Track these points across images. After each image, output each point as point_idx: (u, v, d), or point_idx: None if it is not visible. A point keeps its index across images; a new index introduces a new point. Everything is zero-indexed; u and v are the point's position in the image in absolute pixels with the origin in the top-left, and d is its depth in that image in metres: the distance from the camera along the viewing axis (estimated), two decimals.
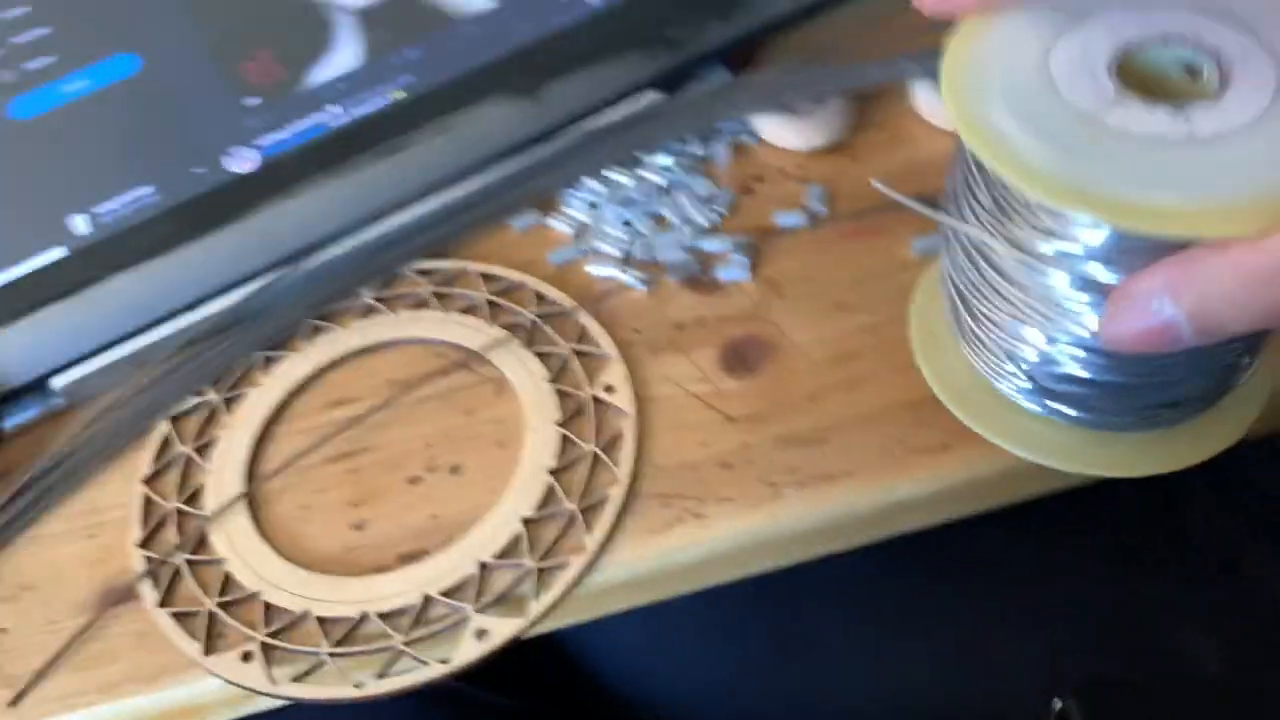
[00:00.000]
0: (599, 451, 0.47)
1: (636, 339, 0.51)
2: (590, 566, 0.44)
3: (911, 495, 0.44)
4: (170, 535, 0.47)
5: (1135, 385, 0.37)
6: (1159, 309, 0.29)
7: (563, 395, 0.49)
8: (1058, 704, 0.53)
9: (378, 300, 0.54)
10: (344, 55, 0.56)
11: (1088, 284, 0.34)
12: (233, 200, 0.54)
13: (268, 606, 0.44)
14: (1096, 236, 0.33)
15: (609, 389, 0.49)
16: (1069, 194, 0.30)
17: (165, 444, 0.50)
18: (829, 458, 0.45)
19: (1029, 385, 0.39)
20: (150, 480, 0.49)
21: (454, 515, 0.46)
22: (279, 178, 0.54)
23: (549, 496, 0.46)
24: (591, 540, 0.44)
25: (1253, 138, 0.31)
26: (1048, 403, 0.39)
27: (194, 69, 0.55)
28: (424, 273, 0.55)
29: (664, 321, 0.51)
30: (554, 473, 0.46)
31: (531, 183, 0.56)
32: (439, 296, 0.53)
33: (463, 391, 0.50)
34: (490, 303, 0.53)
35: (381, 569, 0.45)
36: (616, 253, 0.53)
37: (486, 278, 0.54)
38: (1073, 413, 0.39)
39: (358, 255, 0.54)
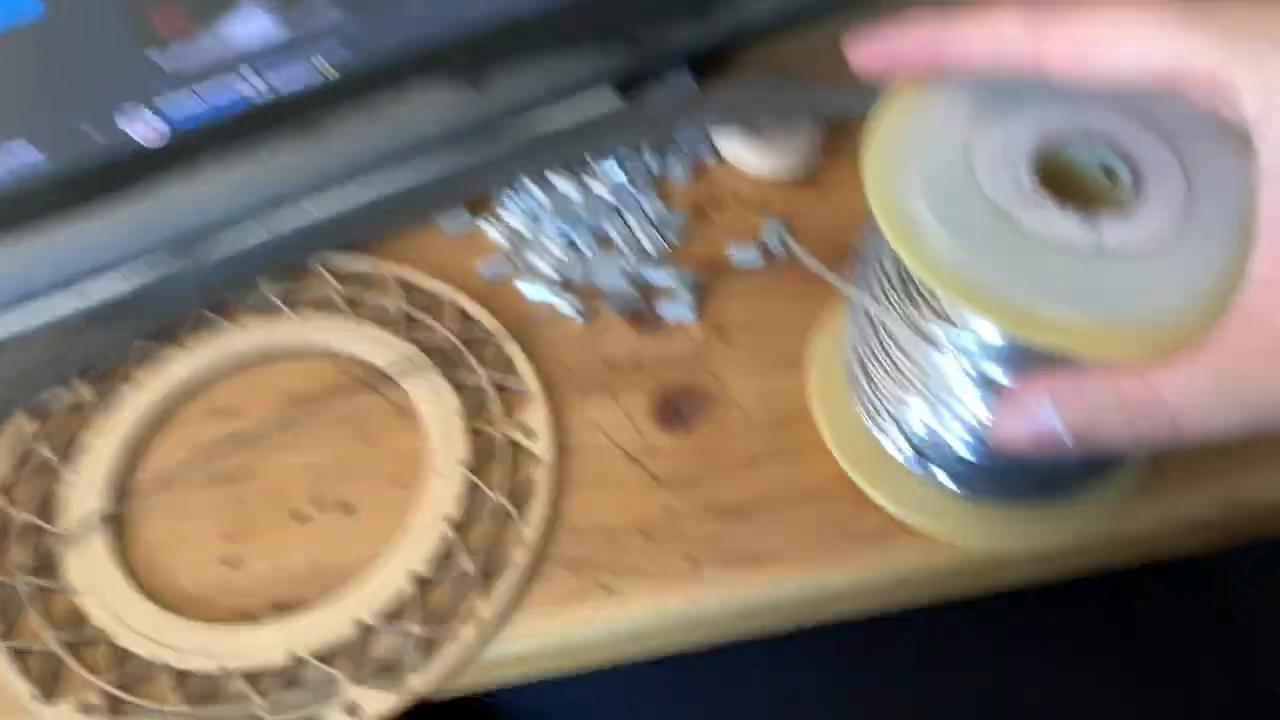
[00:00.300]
0: (508, 504, 0.42)
1: (564, 376, 0.46)
2: (484, 639, 0.39)
3: (843, 587, 0.41)
4: (17, 554, 0.42)
5: (1015, 469, 0.38)
6: (1044, 419, 0.30)
7: (475, 434, 0.44)
8: None
9: (280, 298, 0.48)
10: (260, 19, 0.50)
11: (980, 378, 0.34)
12: (129, 172, 0.48)
13: (118, 651, 0.39)
14: (993, 336, 0.33)
15: (527, 432, 0.44)
16: (971, 295, 0.30)
17: (24, 444, 0.45)
18: (759, 535, 0.41)
19: (912, 453, 0.39)
20: (4, 486, 0.44)
21: (339, 562, 0.41)
22: (185, 151, 0.48)
23: (447, 552, 0.41)
24: (489, 608, 0.40)
25: (1154, 257, 0.31)
26: (929, 471, 0.40)
27: (100, 8, 0.48)
28: (335, 270, 0.49)
29: (596, 359, 0.46)
30: (455, 525, 0.41)
31: (466, 180, 0.50)
32: (350, 302, 0.48)
33: (365, 416, 0.45)
34: (405, 313, 0.47)
35: (251, 617, 0.40)
36: (553, 273, 0.48)
37: (405, 285, 0.49)
38: (953, 485, 0.40)
39: (263, 244, 0.49)
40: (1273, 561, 0.51)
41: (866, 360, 0.38)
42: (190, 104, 0.49)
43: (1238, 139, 0.33)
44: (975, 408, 0.35)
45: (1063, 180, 0.33)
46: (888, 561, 0.41)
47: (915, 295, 0.34)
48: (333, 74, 0.49)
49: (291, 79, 0.49)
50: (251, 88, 0.49)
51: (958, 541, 0.40)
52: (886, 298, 0.35)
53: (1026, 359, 0.32)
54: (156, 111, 0.48)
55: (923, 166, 0.33)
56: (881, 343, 0.36)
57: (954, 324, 0.33)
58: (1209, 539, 0.43)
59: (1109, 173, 0.33)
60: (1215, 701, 0.51)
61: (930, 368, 0.35)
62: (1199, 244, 0.31)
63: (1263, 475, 0.42)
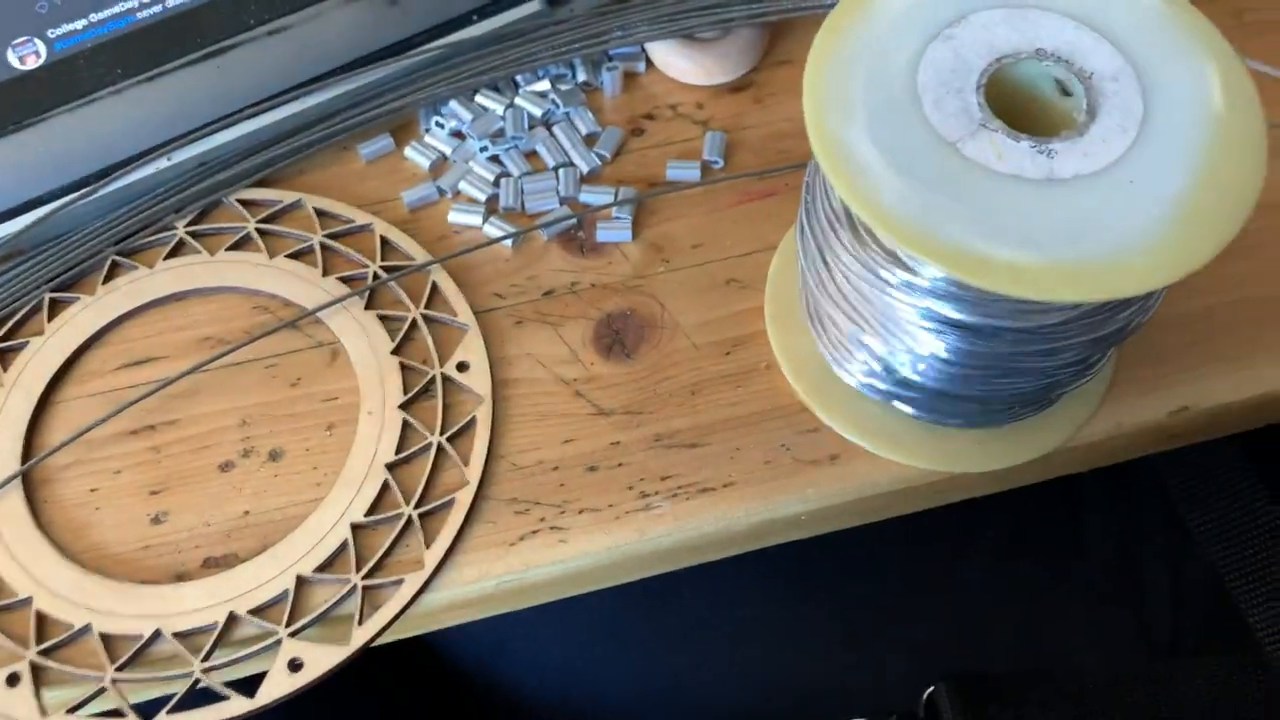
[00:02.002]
0: (445, 443, 0.40)
1: (499, 306, 0.44)
2: (427, 585, 0.38)
3: (794, 512, 0.40)
4: None
5: (970, 394, 0.36)
6: None
7: (407, 371, 0.42)
8: (928, 691, 0.51)
9: (191, 234, 0.45)
10: None
11: (931, 314, 0.32)
12: (12, 102, 0.44)
13: (41, 617, 0.37)
14: (943, 279, 0.31)
15: (462, 367, 0.42)
16: (917, 241, 0.28)
17: None
18: (708, 464, 0.40)
19: (867, 380, 0.38)
20: None
21: (271, 513, 0.40)
22: (73, 77, 0.44)
23: (384, 496, 0.39)
24: (430, 555, 0.38)
25: (1108, 184, 0.29)
26: (884, 398, 0.38)
27: None
28: (248, 204, 0.46)
29: (531, 287, 0.44)
30: (391, 467, 0.40)
31: (384, 101, 0.47)
32: (267, 237, 0.45)
33: (289, 358, 0.43)
34: (325, 247, 0.45)
35: (182, 576, 0.39)
36: (481, 196, 0.46)
37: (323, 215, 0.46)
38: (909, 410, 0.39)
39: (169, 179, 0.46)
40: (1209, 463, 0.52)
41: (817, 293, 0.36)
42: (74, 25, 0.45)
43: (1197, 46, 0.32)
44: (931, 345, 0.33)
45: (1015, 98, 0.31)
46: (841, 485, 0.40)
47: (864, 234, 0.33)
48: None
49: None
50: (138, 1, 0.45)
51: (915, 464, 0.39)
52: (835, 234, 0.33)
53: (980, 297, 0.31)
54: (40, 37, 0.44)
55: (866, 95, 0.31)
56: (832, 276, 0.35)
57: (904, 266, 0.32)
58: (1159, 445, 0.42)
59: (1063, 88, 0.32)
60: (1158, 598, 0.52)
61: (882, 304, 0.33)
62: (1155, 166, 0.30)
63: (1210, 383, 0.41)
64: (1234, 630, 0.48)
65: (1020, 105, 0.32)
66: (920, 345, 0.33)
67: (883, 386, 0.37)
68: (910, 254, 0.29)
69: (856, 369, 0.37)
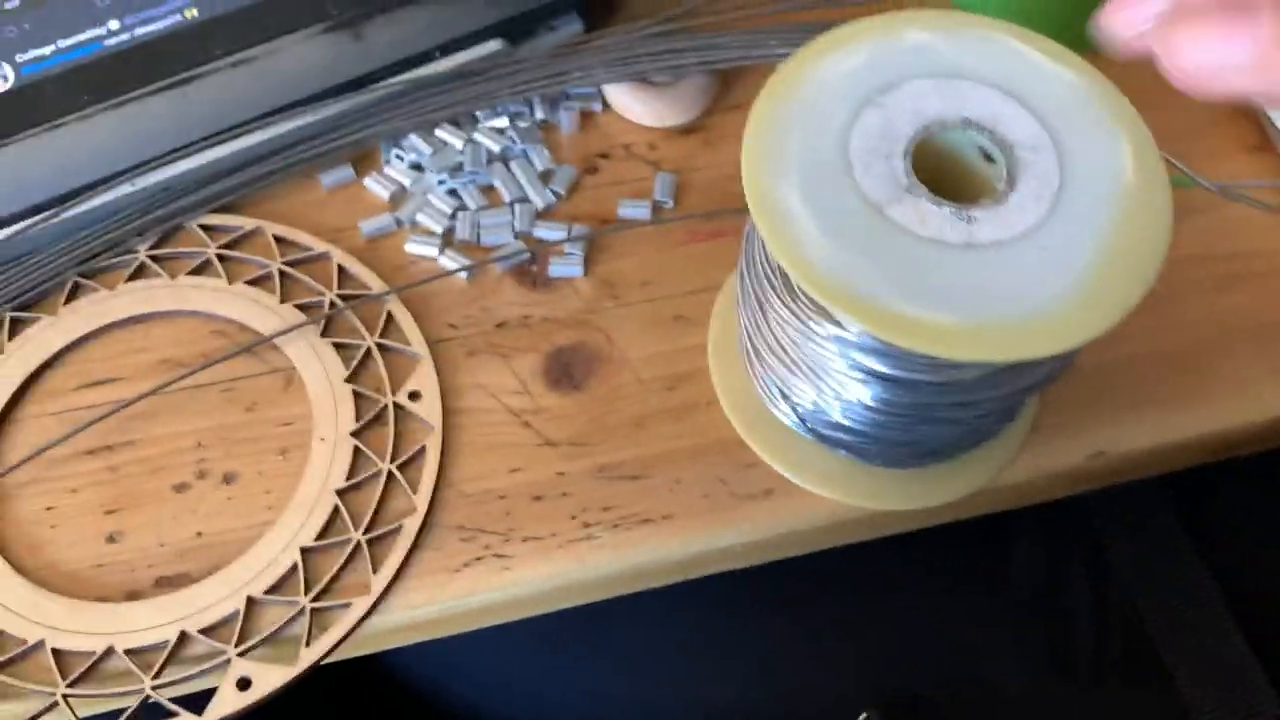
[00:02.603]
0: (395, 471, 0.42)
1: (452, 336, 0.45)
2: (374, 609, 0.39)
3: (729, 544, 0.41)
4: None
5: (895, 438, 0.38)
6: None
7: (360, 398, 0.43)
8: (861, 717, 0.53)
9: (152, 258, 0.46)
10: None
11: (857, 365, 0.34)
12: None
13: None
14: (867, 335, 0.33)
15: (414, 395, 0.43)
16: (840, 298, 0.30)
17: None
18: (649, 496, 0.42)
19: (798, 421, 0.40)
20: None
21: (223, 535, 0.41)
22: (40, 102, 0.45)
23: (334, 521, 0.41)
24: (377, 580, 0.39)
25: (1024, 250, 0.31)
26: (816, 438, 0.40)
27: None
28: (210, 229, 0.47)
29: (485, 318, 0.46)
30: (342, 493, 0.41)
31: (345, 132, 0.49)
32: (227, 263, 0.46)
33: (245, 382, 0.44)
34: (283, 274, 0.46)
35: (135, 594, 0.40)
36: (438, 228, 0.47)
37: (282, 242, 0.47)
38: (839, 450, 0.40)
39: (132, 203, 0.47)
40: (1133, 501, 0.54)
41: (754, 336, 0.38)
42: (39, 47, 0.46)
43: (1113, 120, 0.34)
44: (858, 392, 0.35)
45: (941, 164, 0.33)
46: (775, 519, 0.41)
47: (795, 287, 0.34)
48: (196, 16, 0.47)
49: (154, 24, 0.47)
50: (106, 29, 0.46)
51: (844, 500, 0.41)
52: (770, 284, 0.35)
53: (902, 352, 0.33)
54: (8, 61, 0.45)
55: (801, 156, 0.32)
56: (768, 321, 0.36)
57: (832, 319, 0.33)
58: (1078, 487, 0.45)
59: (986, 155, 0.33)
60: (1082, 629, 0.54)
61: (812, 353, 0.35)
62: (1068, 235, 0.31)
63: (1126, 429, 0.43)
64: (1153, 667, 0.51)
65: (946, 171, 0.34)
66: (848, 392, 0.35)
67: (814, 427, 0.39)
68: (832, 309, 0.31)
69: (790, 409, 0.39)
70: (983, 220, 0.32)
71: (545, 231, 0.47)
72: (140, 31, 0.47)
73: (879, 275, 0.30)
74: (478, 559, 0.40)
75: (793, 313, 0.35)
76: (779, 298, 0.35)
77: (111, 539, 0.41)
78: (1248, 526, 0.55)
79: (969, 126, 0.33)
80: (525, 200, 0.48)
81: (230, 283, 0.46)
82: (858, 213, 0.32)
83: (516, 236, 0.47)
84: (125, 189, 0.46)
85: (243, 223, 0.47)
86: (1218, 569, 0.53)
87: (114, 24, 0.46)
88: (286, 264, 0.46)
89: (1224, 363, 0.45)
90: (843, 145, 0.33)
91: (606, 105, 0.51)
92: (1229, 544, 0.54)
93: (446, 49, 0.50)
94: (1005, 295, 0.30)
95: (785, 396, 0.39)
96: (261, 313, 0.45)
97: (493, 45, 0.50)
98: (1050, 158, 0.33)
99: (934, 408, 0.35)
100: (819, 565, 0.53)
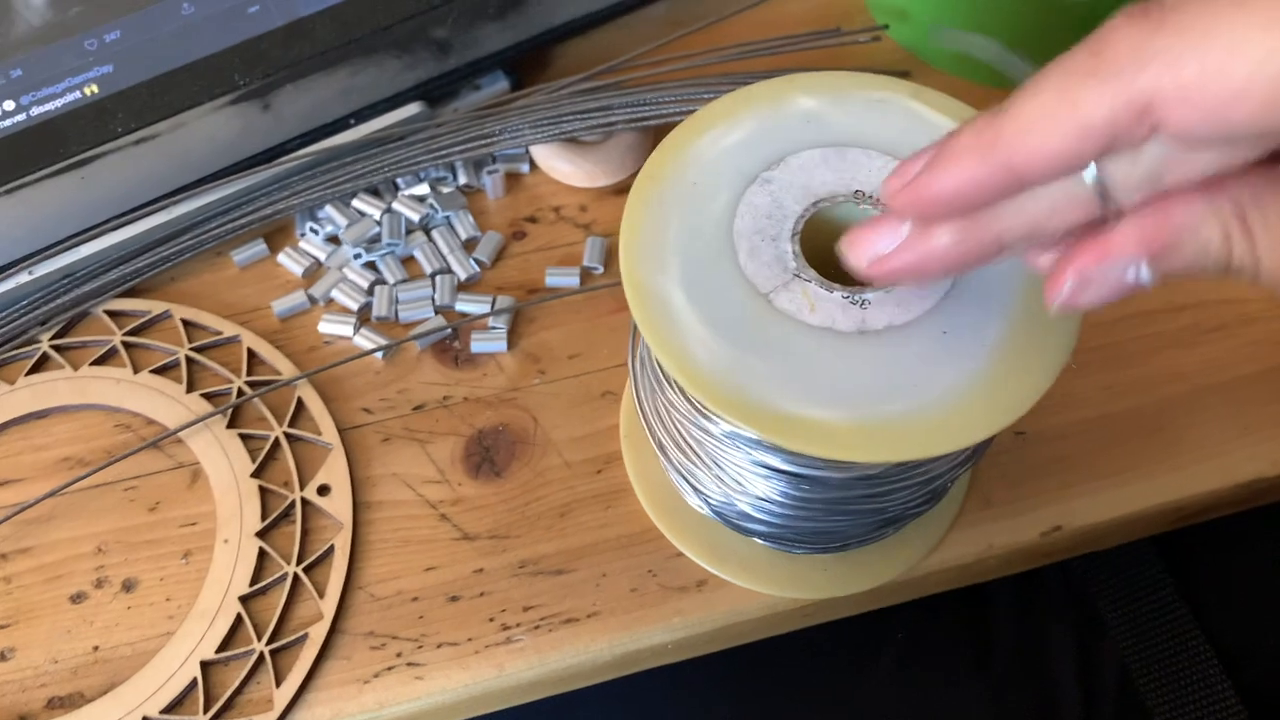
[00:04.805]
0: (301, 574, 0.39)
1: (366, 422, 0.43)
2: None
3: (660, 641, 0.39)
4: None
5: (811, 529, 0.36)
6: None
7: (266, 494, 0.41)
8: None
9: (55, 348, 0.44)
10: (19, 28, 0.45)
11: (760, 463, 0.32)
12: None
13: None
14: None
15: (323, 490, 0.41)
16: (725, 401, 0.28)
17: None
18: (573, 592, 0.39)
19: (712, 513, 0.37)
20: None
21: (121, 649, 0.38)
22: None
23: (236, 631, 0.38)
24: (280, 694, 0.37)
25: (922, 337, 0.29)
26: (733, 527, 0.37)
27: None
28: (116, 315, 0.45)
29: (402, 401, 0.43)
30: (245, 599, 0.39)
31: (256, 207, 0.46)
32: (132, 350, 0.44)
33: (149, 480, 0.42)
34: (191, 360, 0.44)
35: (25, 718, 0.37)
36: (353, 305, 0.45)
37: (191, 326, 0.45)
38: (752, 538, 0.38)
39: (32, 291, 0.45)
40: (1118, 554, 0.51)
41: (657, 429, 0.35)
42: None
43: None
44: (763, 488, 0.32)
45: (833, 242, 0.31)
46: (709, 613, 0.39)
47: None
48: (97, 93, 0.45)
49: (53, 102, 0.45)
50: (1, 111, 0.44)
51: (770, 591, 0.38)
52: (664, 377, 0.33)
53: (801, 456, 0.30)
54: None
55: (681, 244, 0.30)
56: (669, 414, 0.34)
57: (723, 419, 0.31)
58: (1036, 562, 0.42)
59: None
60: (1068, 690, 0.51)
61: (713, 450, 0.32)
62: (970, 314, 0.29)
63: (1082, 500, 0.41)
64: None
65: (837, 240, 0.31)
66: (753, 487, 0.33)
67: (728, 517, 0.36)
68: (718, 415, 0.28)
69: (701, 501, 0.37)
70: (876, 304, 0.29)
71: (468, 305, 0.45)
72: (37, 111, 0.44)
73: (767, 372, 0.28)
74: (389, 668, 0.38)
75: (688, 410, 0.32)
76: (674, 390, 0.32)
77: (2, 656, 0.38)
78: (1239, 583, 0.52)
79: (862, 200, 0.31)
80: (447, 271, 0.46)
81: (136, 371, 0.44)
82: (742, 303, 0.29)
83: (437, 311, 0.45)
84: (23, 278, 0.44)
85: (150, 306, 0.45)
86: (1210, 631, 0.50)
87: (9, 104, 0.44)
88: (194, 349, 0.44)
89: (1189, 424, 0.42)
90: (726, 229, 0.30)
91: (534, 166, 0.49)
92: (1220, 601, 0.51)
93: (362, 115, 0.48)
94: (903, 387, 0.28)
95: (696, 488, 0.36)
96: (167, 404, 0.43)
97: (412, 108, 0.48)
98: None
99: (845, 500, 0.32)
100: (785, 638, 0.50)
